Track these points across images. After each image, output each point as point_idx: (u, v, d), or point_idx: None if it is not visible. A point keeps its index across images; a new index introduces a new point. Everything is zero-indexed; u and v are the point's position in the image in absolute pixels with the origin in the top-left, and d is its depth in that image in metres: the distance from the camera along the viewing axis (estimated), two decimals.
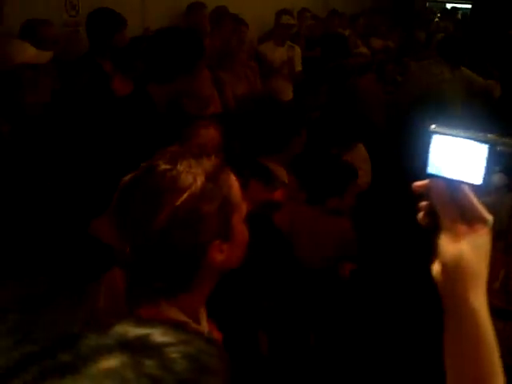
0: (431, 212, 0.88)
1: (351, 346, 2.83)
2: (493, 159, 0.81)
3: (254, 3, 6.71)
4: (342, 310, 2.74)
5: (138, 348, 0.55)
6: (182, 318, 1.21)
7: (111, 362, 0.53)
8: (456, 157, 0.85)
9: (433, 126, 0.86)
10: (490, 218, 0.85)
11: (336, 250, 2.74)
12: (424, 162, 0.87)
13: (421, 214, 0.90)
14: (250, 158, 3.01)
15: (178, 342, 0.57)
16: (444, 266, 0.85)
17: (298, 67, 5.91)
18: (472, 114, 4.15)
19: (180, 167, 1.17)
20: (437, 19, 10.43)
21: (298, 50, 6.02)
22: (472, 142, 0.83)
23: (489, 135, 0.83)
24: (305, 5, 7.53)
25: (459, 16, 10.55)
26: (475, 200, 0.86)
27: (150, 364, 0.53)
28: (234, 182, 1.26)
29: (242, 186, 1.29)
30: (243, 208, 1.28)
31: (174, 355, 0.55)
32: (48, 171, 2.74)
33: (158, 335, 0.57)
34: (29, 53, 3.15)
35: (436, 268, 0.87)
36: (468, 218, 0.85)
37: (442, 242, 0.86)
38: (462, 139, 0.84)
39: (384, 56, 6.88)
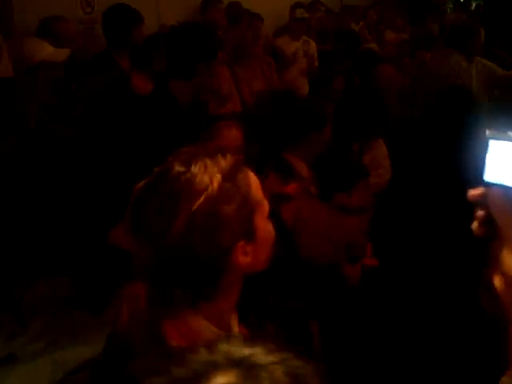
0: (488, 221, 0.84)
1: (354, 345, 2.77)
2: None
3: None
4: (345, 309, 2.68)
5: (246, 366, 0.60)
6: (210, 327, 1.16)
7: (226, 378, 0.59)
8: None
9: (488, 132, 0.82)
10: None
11: (339, 248, 2.69)
12: (480, 170, 0.83)
13: (476, 224, 0.85)
14: (273, 153, 3.03)
15: (280, 360, 0.62)
16: (507, 277, 0.82)
17: (315, 62, 5.85)
18: (498, 105, 4.05)
19: (195, 169, 1.12)
20: (449, 11, 10.33)
21: (313, 44, 5.97)
22: None
23: None
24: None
25: (473, 7, 10.45)
26: None
27: (260, 381, 0.59)
28: (253, 179, 1.21)
29: (260, 179, 1.25)
30: (265, 206, 1.23)
31: (278, 373, 0.60)
32: (68, 174, 2.72)
33: (262, 354, 0.62)
34: (47, 51, 3.13)
35: (498, 280, 0.83)
36: None
37: (504, 252, 0.81)
38: None
39: (395, 50, 6.80)
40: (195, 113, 2.90)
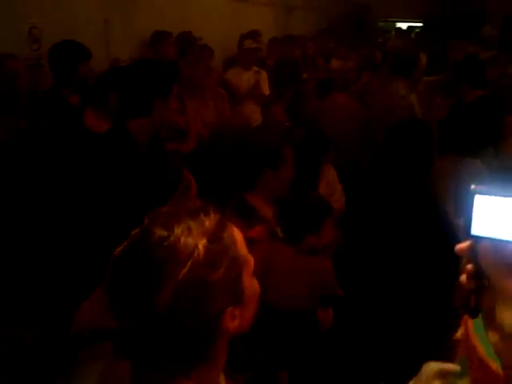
0: (476, 274, 0.85)
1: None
2: None
3: (217, 27, 6.69)
4: (317, 359, 2.62)
5: None
6: None
7: None
8: (502, 216, 0.81)
9: (473, 186, 0.83)
10: None
11: (313, 291, 2.60)
12: (467, 224, 0.84)
13: (464, 277, 0.86)
14: (233, 195, 2.91)
15: None
16: (503, 333, 0.81)
17: (266, 91, 5.87)
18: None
19: (177, 232, 1.04)
20: (382, 39, 10.59)
21: (264, 74, 5.98)
22: None
23: None
24: (267, 28, 7.57)
25: (413, 35, 10.78)
26: None
27: None
28: (237, 235, 1.14)
29: None
30: (251, 262, 1.17)
31: None
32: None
33: None
34: None
35: (493, 335, 0.83)
36: None
37: (500, 307, 0.81)
38: (507, 198, 0.81)
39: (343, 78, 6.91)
40: (155, 151, 2.82)
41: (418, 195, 2.77)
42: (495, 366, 1.14)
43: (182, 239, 1.03)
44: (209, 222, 1.08)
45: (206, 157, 3.98)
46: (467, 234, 0.85)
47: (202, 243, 1.04)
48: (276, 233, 2.72)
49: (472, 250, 0.85)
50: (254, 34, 6.41)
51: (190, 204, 1.14)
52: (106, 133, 2.86)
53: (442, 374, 1.35)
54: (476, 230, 0.84)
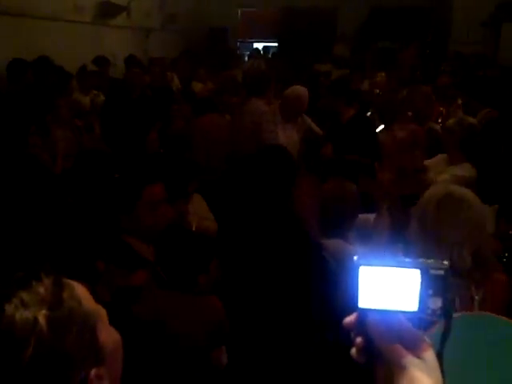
0: (366, 347, 0.84)
1: None
2: (426, 283, 0.80)
3: (77, 52, 6.60)
4: None
5: None
6: None
7: None
8: (387, 286, 0.81)
9: (356, 258, 0.83)
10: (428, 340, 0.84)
11: (208, 332, 2.42)
12: (354, 296, 0.83)
13: (354, 351, 0.85)
14: (107, 238, 2.64)
15: None
16: None
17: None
18: None
19: (9, 309, 0.89)
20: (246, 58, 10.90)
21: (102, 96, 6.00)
22: (403, 269, 0.81)
23: (419, 260, 0.81)
24: (127, 51, 7.57)
25: (270, 55, 11.17)
26: (411, 326, 0.83)
27: None
28: (80, 290, 1.00)
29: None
30: (102, 312, 1.04)
31: None
32: None
33: None
34: None
35: None
36: (409, 344, 0.82)
37: (395, 378, 0.81)
38: (391, 268, 0.82)
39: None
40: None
41: (280, 217, 2.83)
42: None
43: (17, 316, 0.89)
44: (43, 288, 0.94)
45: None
46: (354, 308, 0.83)
47: (41, 314, 0.91)
48: (161, 276, 2.46)
49: (360, 323, 0.84)
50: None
51: (16, 274, 0.98)
52: None
53: None
54: (363, 302, 0.82)
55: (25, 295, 0.91)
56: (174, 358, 2.29)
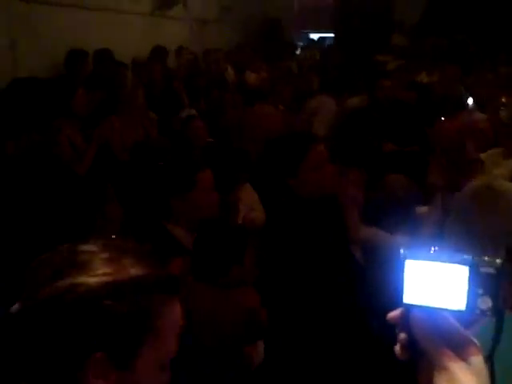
0: (410, 344, 0.80)
1: None
2: (475, 281, 0.75)
3: (131, 43, 6.67)
4: None
5: None
6: None
7: None
8: (434, 282, 0.77)
9: (403, 250, 0.79)
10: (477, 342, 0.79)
11: (240, 326, 2.39)
12: (398, 291, 0.79)
13: (398, 347, 0.81)
14: (149, 223, 2.70)
15: None
16: None
17: None
18: None
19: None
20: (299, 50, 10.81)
21: None
22: (451, 264, 0.76)
23: (468, 256, 0.76)
24: (183, 43, 7.62)
25: (325, 45, 11.05)
26: (460, 327, 0.79)
27: None
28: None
29: None
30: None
31: None
32: None
33: None
34: None
35: None
36: (456, 346, 0.77)
37: (436, 379, 0.77)
38: (439, 263, 0.77)
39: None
40: None
41: None
42: None
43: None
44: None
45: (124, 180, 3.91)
46: (399, 303, 0.80)
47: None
48: (195, 265, 2.49)
49: (404, 319, 0.80)
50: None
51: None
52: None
53: None
54: (408, 298, 0.79)
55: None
56: (199, 352, 2.24)
